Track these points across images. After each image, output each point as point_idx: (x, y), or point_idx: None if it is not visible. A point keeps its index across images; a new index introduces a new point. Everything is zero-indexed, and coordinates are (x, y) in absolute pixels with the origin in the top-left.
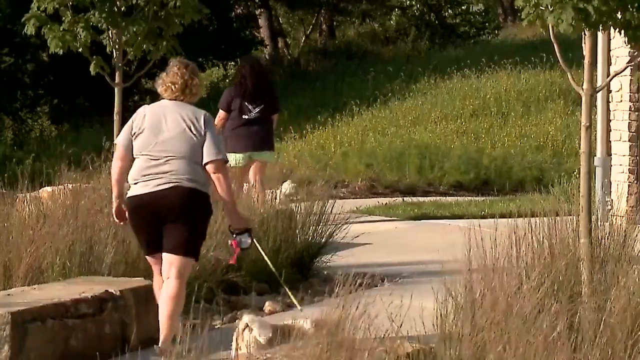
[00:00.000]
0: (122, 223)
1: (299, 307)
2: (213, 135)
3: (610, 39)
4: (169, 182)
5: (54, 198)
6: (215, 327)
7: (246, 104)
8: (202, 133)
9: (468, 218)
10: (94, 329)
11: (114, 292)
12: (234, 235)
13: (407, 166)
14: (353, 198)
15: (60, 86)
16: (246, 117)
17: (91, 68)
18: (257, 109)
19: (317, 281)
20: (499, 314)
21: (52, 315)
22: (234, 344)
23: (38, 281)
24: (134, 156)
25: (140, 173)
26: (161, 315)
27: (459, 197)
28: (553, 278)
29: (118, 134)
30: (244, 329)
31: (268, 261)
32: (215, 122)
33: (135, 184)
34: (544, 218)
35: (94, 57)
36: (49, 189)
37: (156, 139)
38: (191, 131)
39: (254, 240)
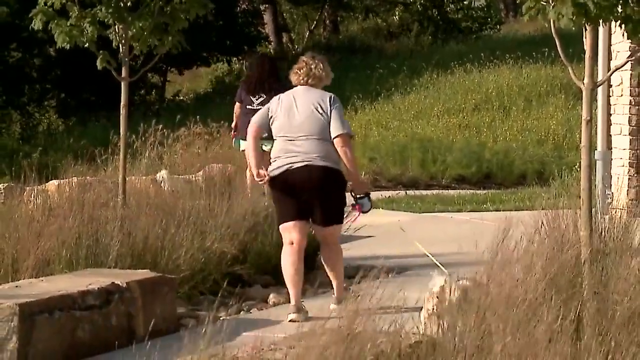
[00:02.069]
0: (262, 182)
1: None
2: (338, 112)
3: (611, 34)
4: (302, 161)
5: (61, 191)
6: (220, 318)
7: (250, 96)
8: (329, 112)
9: (470, 211)
10: (100, 321)
11: (121, 284)
12: (357, 200)
13: (410, 160)
14: None
15: (67, 80)
16: (250, 107)
17: (98, 63)
18: (259, 101)
19: (320, 273)
20: (503, 305)
21: (60, 307)
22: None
23: (45, 273)
24: (274, 137)
25: (280, 152)
26: (331, 275)
27: (461, 191)
28: (557, 270)
29: (125, 128)
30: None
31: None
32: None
33: (275, 161)
34: (545, 210)
35: (101, 51)
36: (55, 182)
37: (290, 122)
38: (319, 112)
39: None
